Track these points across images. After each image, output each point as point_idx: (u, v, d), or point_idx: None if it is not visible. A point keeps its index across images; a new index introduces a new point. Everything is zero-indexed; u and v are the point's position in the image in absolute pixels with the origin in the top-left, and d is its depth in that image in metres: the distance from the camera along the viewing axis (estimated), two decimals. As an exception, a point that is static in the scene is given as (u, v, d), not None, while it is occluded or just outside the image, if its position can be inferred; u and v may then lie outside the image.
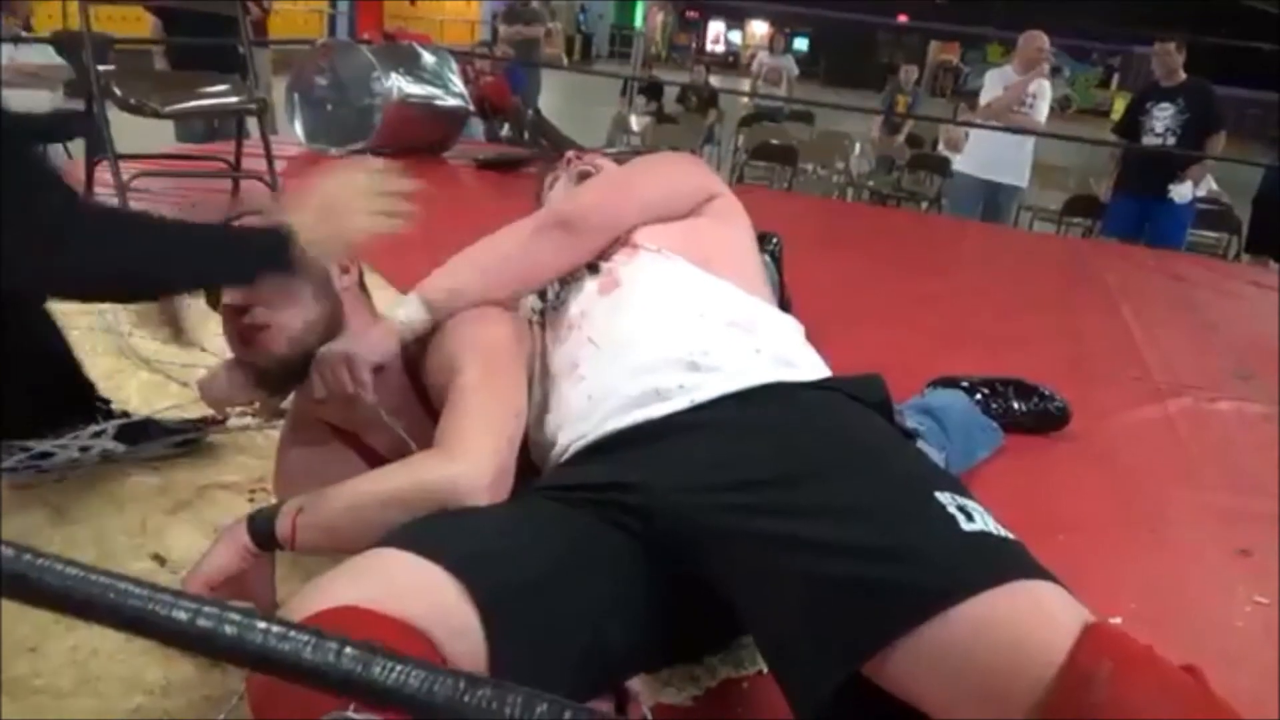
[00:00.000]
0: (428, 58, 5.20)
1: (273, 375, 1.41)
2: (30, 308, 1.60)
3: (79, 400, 1.72)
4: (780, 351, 1.36)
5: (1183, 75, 5.63)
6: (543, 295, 1.61)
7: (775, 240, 2.41)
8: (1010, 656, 0.89)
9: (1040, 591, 0.94)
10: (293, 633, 0.46)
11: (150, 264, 1.20)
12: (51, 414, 1.67)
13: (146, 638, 0.49)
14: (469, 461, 1.21)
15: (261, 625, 0.47)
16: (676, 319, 1.38)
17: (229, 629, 0.46)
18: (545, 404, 1.45)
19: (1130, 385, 2.77)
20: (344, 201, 1.37)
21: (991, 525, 1.02)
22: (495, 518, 1.16)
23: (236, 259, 1.30)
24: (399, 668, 0.45)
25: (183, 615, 0.47)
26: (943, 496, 1.04)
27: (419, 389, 1.46)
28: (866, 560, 0.98)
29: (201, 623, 0.47)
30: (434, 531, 1.07)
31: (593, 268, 1.53)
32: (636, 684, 1.23)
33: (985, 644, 0.90)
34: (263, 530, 1.23)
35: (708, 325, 1.37)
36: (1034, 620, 0.91)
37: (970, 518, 1.01)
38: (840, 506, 1.05)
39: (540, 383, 1.50)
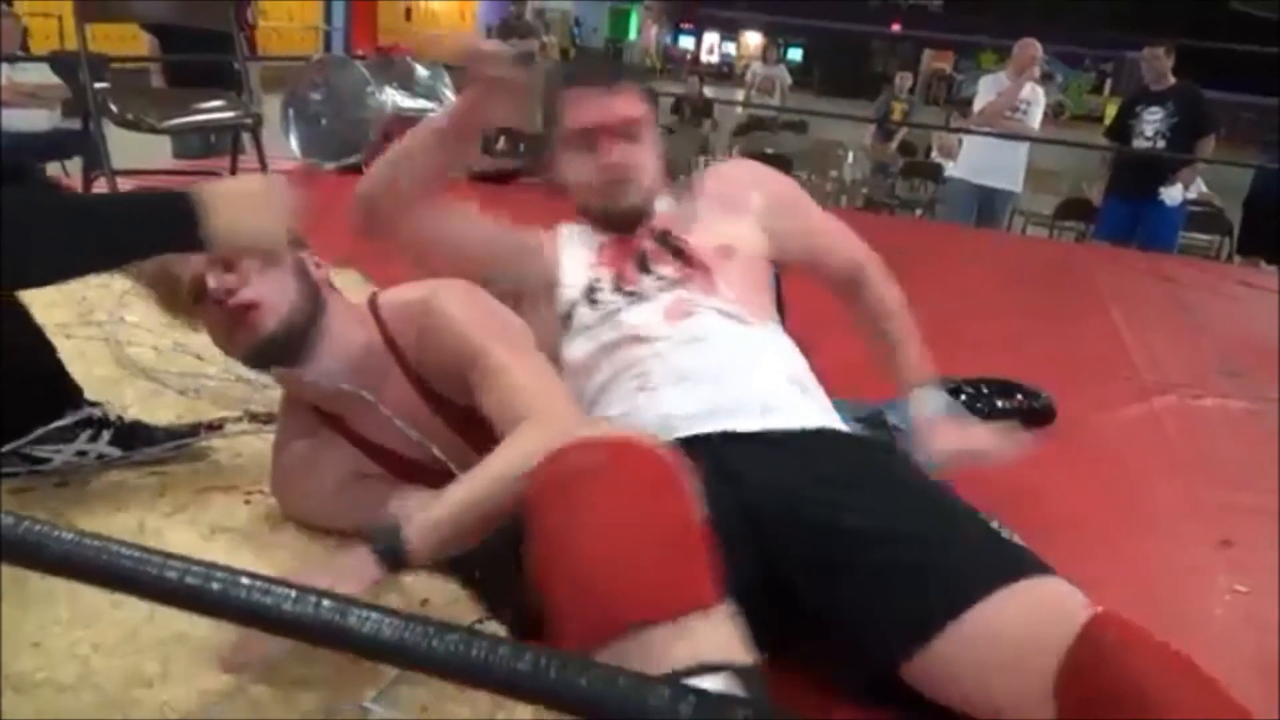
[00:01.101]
0: (422, 72, 5.23)
1: (265, 354, 1.48)
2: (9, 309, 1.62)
3: (65, 400, 1.73)
4: (825, 404, 1.57)
5: (1171, 79, 5.69)
6: (590, 297, 1.64)
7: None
8: (1034, 632, 1.09)
9: (1056, 584, 1.16)
10: (274, 588, 0.49)
11: (56, 245, 1.23)
12: (38, 414, 1.69)
13: (139, 596, 0.52)
14: (563, 427, 1.29)
15: (245, 581, 0.50)
16: (751, 364, 1.54)
17: (215, 585, 0.49)
18: (594, 399, 1.56)
19: (1118, 383, 2.81)
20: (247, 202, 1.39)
21: (1005, 532, 1.36)
22: None
23: (145, 227, 1.32)
24: (373, 616, 0.48)
25: (173, 574, 0.50)
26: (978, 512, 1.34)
27: (411, 378, 1.51)
28: (932, 550, 1.21)
29: (190, 580, 0.50)
30: None
31: (654, 284, 1.63)
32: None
33: (1014, 623, 1.11)
34: (393, 554, 1.26)
35: (774, 376, 1.54)
36: (1052, 604, 1.12)
37: (998, 527, 1.36)
38: (907, 510, 1.28)
39: (579, 376, 1.59)
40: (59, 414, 1.70)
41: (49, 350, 1.72)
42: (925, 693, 1.17)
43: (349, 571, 1.25)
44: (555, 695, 0.48)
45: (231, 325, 1.45)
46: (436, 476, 1.47)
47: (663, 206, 1.75)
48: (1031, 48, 5.92)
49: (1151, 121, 5.67)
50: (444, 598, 1.42)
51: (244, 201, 1.36)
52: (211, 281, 1.41)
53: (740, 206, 1.76)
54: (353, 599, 0.49)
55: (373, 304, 1.59)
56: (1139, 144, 5.71)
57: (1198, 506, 2.08)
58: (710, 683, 0.88)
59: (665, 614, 0.94)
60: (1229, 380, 2.93)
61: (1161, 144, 5.64)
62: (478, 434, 1.44)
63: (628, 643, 0.92)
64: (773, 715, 0.48)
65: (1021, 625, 1.11)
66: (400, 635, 0.47)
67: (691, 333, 1.55)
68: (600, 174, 1.64)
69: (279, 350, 1.47)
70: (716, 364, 1.52)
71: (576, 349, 1.62)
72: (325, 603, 0.48)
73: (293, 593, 0.49)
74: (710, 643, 0.95)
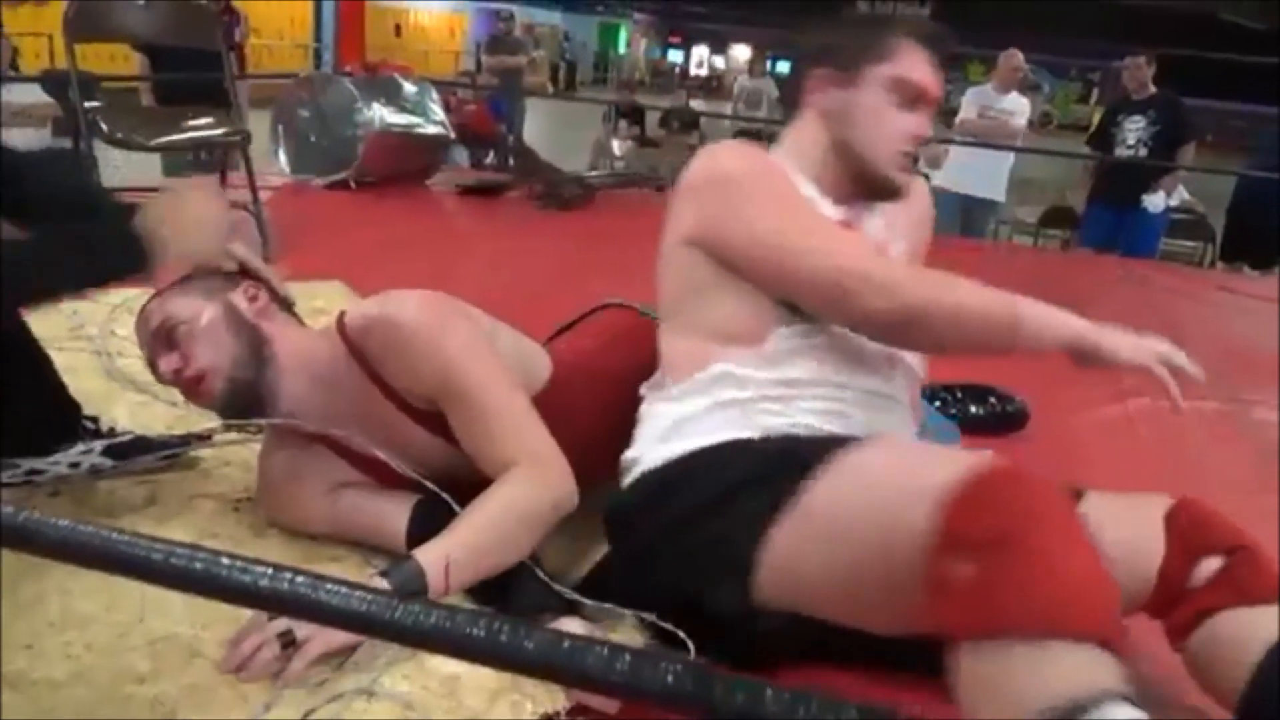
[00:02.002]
0: (409, 88, 5.31)
1: (232, 409, 1.52)
2: (14, 331, 1.67)
3: (67, 419, 1.78)
4: None
5: (1152, 88, 5.76)
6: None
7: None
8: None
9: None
10: (253, 567, 0.54)
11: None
12: (42, 433, 1.73)
13: (130, 577, 0.56)
14: (558, 478, 1.47)
15: (226, 561, 0.54)
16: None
17: (199, 565, 0.54)
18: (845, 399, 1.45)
19: (1092, 387, 2.85)
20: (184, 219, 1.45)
21: None
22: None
23: (90, 260, 1.38)
24: (343, 590, 0.52)
25: (158, 556, 0.54)
26: None
27: (385, 391, 1.53)
28: None
29: (175, 561, 0.54)
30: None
31: None
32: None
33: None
34: (412, 591, 1.30)
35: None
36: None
37: None
38: None
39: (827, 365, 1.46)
40: (64, 429, 1.74)
41: (49, 366, 1.76)
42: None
43: None
44: (510, 659, 0.53)
45: (190, 395, 1.53)
46: (420, 483, 1.51)
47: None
48: (1014, 59, 6.01)
49: (1133, 130, 5.75)
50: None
51: (179, 222, 1.43)
52: (161, 366, 1.51)
53: (904, 227, 1.66)
54: (323, 576, 0.53)
55: (340, 322, 1.58)
56: (1121, 152, 5.78)
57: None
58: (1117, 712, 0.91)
59: (1110, 637, 0.97)
60: (1203, 382, 2.98)
61: (1143, 152, 5.72)
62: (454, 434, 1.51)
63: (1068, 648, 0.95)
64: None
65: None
66: (369, 607, 0.51)
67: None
68: (907, 141, 1.52)
69: (241, 401, 1.51)
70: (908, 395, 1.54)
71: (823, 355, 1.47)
72: (299, 579, 0.52)
73: (268, 571, 0.53)
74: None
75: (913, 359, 1.53)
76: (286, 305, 1.65)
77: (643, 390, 1.59)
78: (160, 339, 1.51)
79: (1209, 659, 1.28)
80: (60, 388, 1.78)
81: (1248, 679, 1.21)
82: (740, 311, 1.44)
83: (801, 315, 1.44)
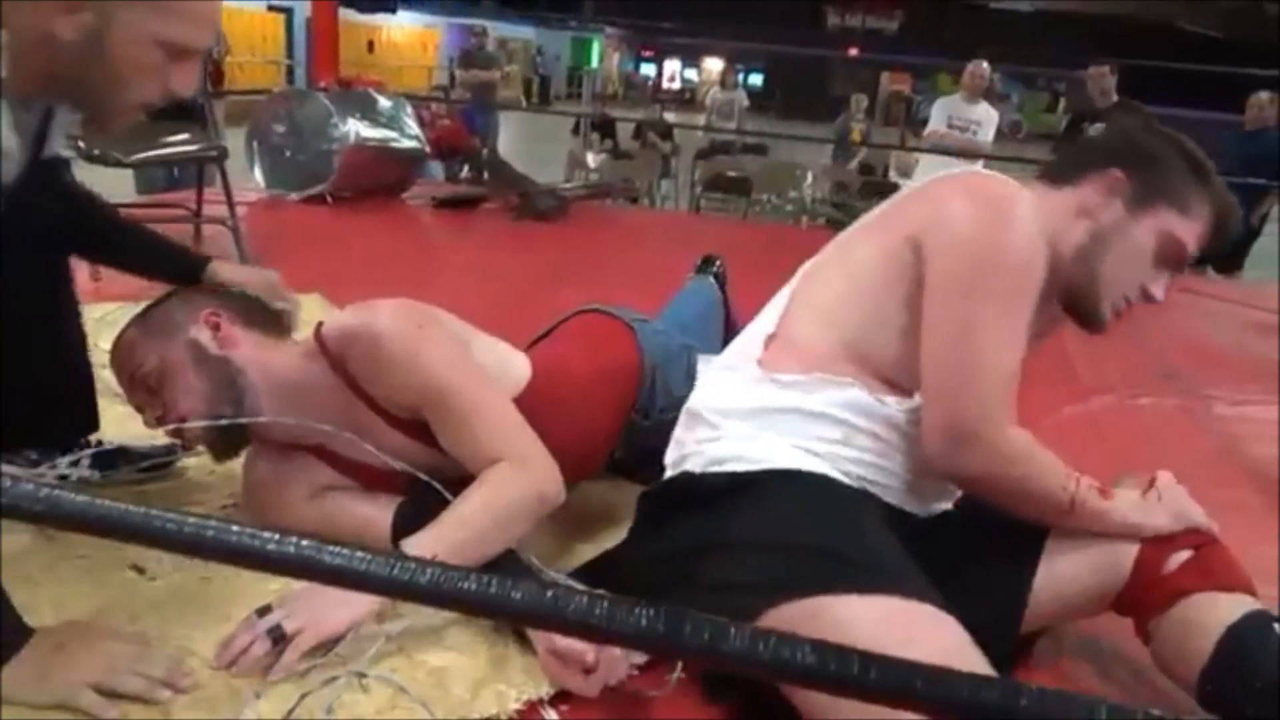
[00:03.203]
0: (383, 102, 5.35)
1: (219, 446, 1.60)
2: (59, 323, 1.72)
3: (89, 422, 1.82)
4: None
5: (1115, 97, 5.87)
6: None
7: (719, 263, 2.54)
8: None
9: None
10: (261, 533, 0.58)
11: None
12: (69, 430, 1.79)
13: (119, 540, 0.60)
14: (543, 472, 1.50)
15: (235, 529, 0.58)
16: None
17: (189, 529, 0.58)
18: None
19: (1056, 388, 2.92)
20: None
21: None
22: (887, 538, 1.32)
23: None
24: (344, 551, 0.57)
25: (172, 526, 0.59)
26: None
27: (365, 400, 1.56)
28: None
29: (188, 530, 0.58)
30: (899, 569, 1.27)
31: None
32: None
33: None
34: None
35: None
36: None
37: None
38: None
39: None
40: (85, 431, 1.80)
41: (89, 369, 1.80)
42: None
43: (356, 597, 1.35)
44: (499, 608, 0.57)
45: (180, 438, 1.61)
46: (402, 484, 1.55)
47: None
48: (979, 68, 6.11)
49: (1097, 138, 5.85)
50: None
51: None
52: (146, 415, 1.57)
53: None
54: (330, 540, 0.57)
55: (318, 333, 1.60)
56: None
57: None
58: None
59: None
60: (1166, 380, 3.07)
61: (1107, 160, 5.81)
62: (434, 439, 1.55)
63: None
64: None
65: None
66: (367, 566, 0.55)
67: None
68: (1140, 295, 1.45)
69: (226, 437, 1.57)
70: None
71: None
72: (304, 541, 0.56)
73: (276, 534, 0.57)
74: None
75: None
76: (265, 320, 1.67)
77: (731, 350, 1.54)
78: (137, 388, 1.57)
79: (1176, 640, 1.35)
80: (93, 394, 1.82)
81: (1210, 655, 1.29)
82: (913, 361, 1.37)
83: None
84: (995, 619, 1.45)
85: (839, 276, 1.47)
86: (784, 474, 1.34)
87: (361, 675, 1.29)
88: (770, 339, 1.46)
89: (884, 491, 1.41)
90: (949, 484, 1.49)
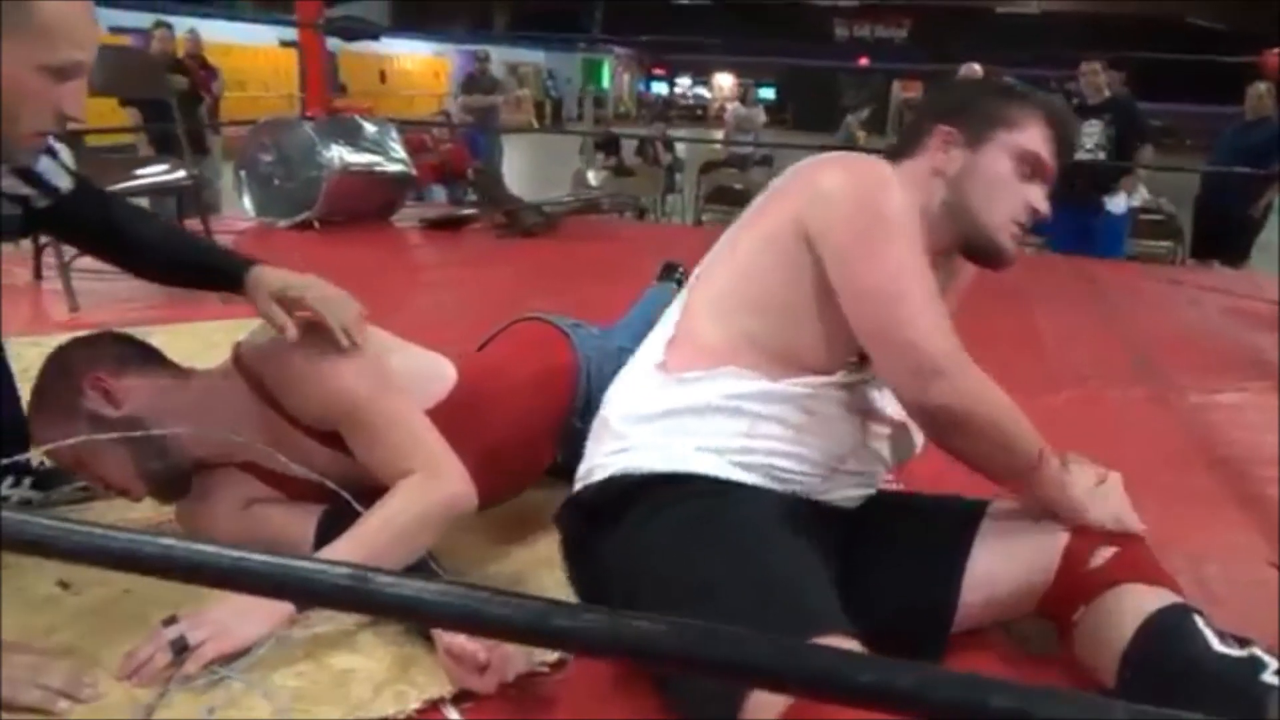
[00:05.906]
0: (369, 128, 5.39)
1: (167, 492, 1.64)
2: None
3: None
4: None
5: (1107, 93, 5.85)
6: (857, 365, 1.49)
7: (680, 269, 2.54)
8: None
9: None
10: (225, 551, 0.60)
11: None
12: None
13: (93, 565, 0.61)
14: (452, 480, 1.52)
15: (186, 545, 0.60)
16: None
17: (150, 549, 0.60)
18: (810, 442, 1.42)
19: (1028, 381, 2.88)
20: None
21: None
22: (815, 570, 1.27)
23: None
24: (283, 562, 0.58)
25: (152, 549, 0.60)
26: None
27: (284, 416, 1.57)
28: None
29: (148, 549, 0.60)
30: (822, 604, 1.20)
31: None
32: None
33: None
34: None
35: None
36: None
37: None
38: None
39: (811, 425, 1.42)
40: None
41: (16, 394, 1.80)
42: None
43: (263, 609, 1.38)
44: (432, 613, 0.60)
45: (126, 495, 1.62)
46: (325, 494, 1.56)
47: None
48: (971, 71, 6.09)
49: (1090, 134, 5.83)
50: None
51: None
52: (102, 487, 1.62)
53: (961, 293, 1.70)
54: (296, 555, 0.59)
55: (237, 354, 1.62)
56: (1080, 156, 5.85)
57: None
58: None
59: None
60: (1138, 371, 3.04)
61: (1102, 155, 5.80)
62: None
63: None
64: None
65: None
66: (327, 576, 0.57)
67: None
68: (1024, 212, 1.48)
69: (167, 488, 1.62)
70: None
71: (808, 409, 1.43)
72: (255, 556, 0.59)
73: (232, 551, 0.59)
74: None
75: (889, 454, 1.52)
76: (147, 356, 1.64)
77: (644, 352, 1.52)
78: (78, 477, 1.65)
79: (1099, 628, 1.36)
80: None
81: (1129, 639, 1.30)
82: (826, 339, 1.41)
83: (866, 364, 1.44)
84: (926, 612, 1.46)
85: (728, 270, 1.47)
86: (679, 492, 1.34)
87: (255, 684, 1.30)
88: (670, 342, 1.47)
89: (799, 481, 1.40)
90: (873, 465, 1.49)
